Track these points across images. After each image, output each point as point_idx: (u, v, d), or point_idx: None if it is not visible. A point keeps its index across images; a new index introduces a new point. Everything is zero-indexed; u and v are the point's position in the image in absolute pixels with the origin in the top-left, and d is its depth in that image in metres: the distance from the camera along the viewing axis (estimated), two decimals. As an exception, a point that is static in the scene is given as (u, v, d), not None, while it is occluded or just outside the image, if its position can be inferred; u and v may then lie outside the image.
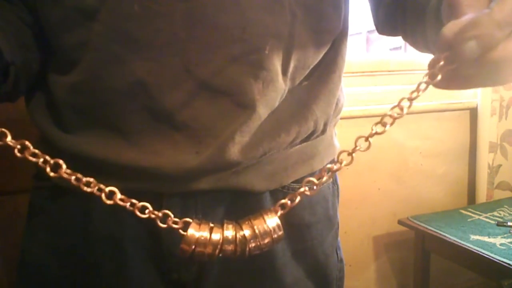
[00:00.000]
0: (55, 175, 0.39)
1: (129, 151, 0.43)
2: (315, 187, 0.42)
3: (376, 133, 0.38)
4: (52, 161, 0.39)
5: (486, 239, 1.13)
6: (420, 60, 1.45)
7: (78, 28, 0.41)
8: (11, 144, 0.37)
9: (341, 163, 0.41)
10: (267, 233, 0.42)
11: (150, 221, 0.44)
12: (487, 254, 1.05)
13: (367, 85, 1.36)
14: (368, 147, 0.39)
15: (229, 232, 0.42)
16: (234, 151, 0.43)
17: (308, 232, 0.52)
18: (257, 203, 0.48)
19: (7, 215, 0.96)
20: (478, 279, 1.44)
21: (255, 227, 0.42)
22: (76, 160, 0.42)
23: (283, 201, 0.43)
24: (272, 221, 0.42)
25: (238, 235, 0.42)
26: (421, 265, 1.31)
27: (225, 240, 0.42)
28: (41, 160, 0.39)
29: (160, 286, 0.48)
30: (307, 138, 0.50)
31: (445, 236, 1.17)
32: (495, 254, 1.04)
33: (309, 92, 0.48)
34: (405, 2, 0.48)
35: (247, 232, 0.42)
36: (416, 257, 1.32)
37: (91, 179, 0.40)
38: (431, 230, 1.21)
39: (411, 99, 0.36)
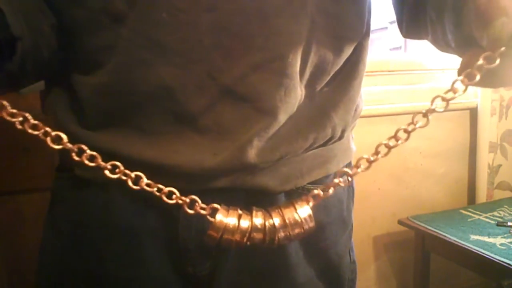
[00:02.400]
0: (60, 144, 0.38)
1: (150, 149, 0.44)
2: (349, 179, 0.41)
3: (413, 130, 0.37)
4: (53, 133, 0.38)
5: (486, 239, 1.13)
6: (420, 60, 1.45)
7: (105, 31, 0.42)
8: (8, 118, 0.35)
9: (377, 154, 0.40)
10: (297, 223, 0.41)
11: (171, 214, 0.44)
12: (487, 254, 1.05)
13: (367, 85, 1.36)
14: (407, 138, 0.38)
15: (258, 220, 0.41)
16: (251, 154, 0.44)
17: (321, 233, 0.52)
18: (271, 203, 0.48)
19: (8, 215, 0.96)
20: (478, 279, 1.44)
21: (286, 216, 0.41)
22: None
23: (315, 191, 0.42)
24: (303, 211, 0.41)
25: (267, 224, 0.41)
26: (421, 265, 1.31)
27: (254, 228, 0.41)
28: (42, 131, 0.38)
29: (175, 279, 0.49)
30: (324, 144, 0.50)
31: (445, 236, 1.17)
32: (495, 254, 1.04)
33: (329, 99, 0.49)
34: (426, 1, 0.48)
35: (276, 220, 0.41)
36: (416, 257, 1.32)
37: (118, 163, 0.39)
38: (431, 230, 1.21)
39: (446, 99, 0.35)
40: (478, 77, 0.32)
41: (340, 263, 0.55)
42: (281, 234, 0.41)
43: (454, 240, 1.14)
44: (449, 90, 0.35)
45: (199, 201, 0.41)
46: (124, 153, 0.44)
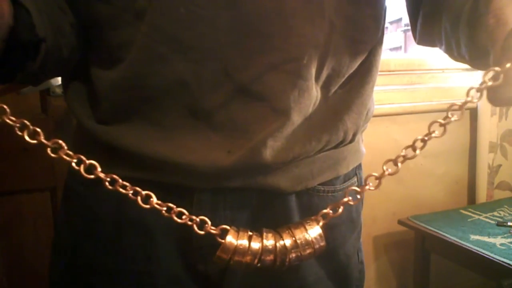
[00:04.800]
0: (55, 155, 0.38)
1: (165, 146, 0.44)
2: (358, 196, 0.41)
3: (423, 140, 0.37)
4: (50, 143, 0.37)
5: (486, 239, 1.13)
6: (420, 60, 1.45)
7: (126, 27, 0.42)
8: (10, 122, 0.35)
9: (384, 171, 0.39)
10: (308, 243, 0.41)
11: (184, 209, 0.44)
12: (487, 254, 1.05)
13: (367, 85, 1.36)
14: (414, 156, 0.38)
15: (269, 241, 0.41)
16: (265, 154, 0.44)
17: (330, 234, 0.52)
18: (283, 204, 0.49)
19: (8, 215, 0.96)
20: (478, 279, 1.44)
21: (296, 236, 0.41)
22: (111, 151, 0.44)
23: (325, 210, 0.42)
24: (314, 231, 0.41)
25: (278, 245, 0.41)
26: (421, 265, 1.31)
27: (264, 250, 0.40)
28: (42, 138, 0.37)
29: (186, 275, 0.50)
30: (336, 146, 0.51)
31: (445, 236, 1.17)
32: (495, 254, 1.04)
33: (343, 102, 0.50)
34: (441, 11, 0.48)
35: (287, 241, 0.41)
36: (416, 257, 1.32)
37: (127, 184, 0.40)
38: (431, 230, 1.21)
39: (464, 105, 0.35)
40: (489, 83, 0.32)
41: (348, 263, 0.56)
42: (292, 255, 0.41)
43: (454, 240, 1.14)
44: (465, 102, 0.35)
45: (209, 222, 0.41)
46: (137, 150, 0.44)
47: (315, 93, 0.46)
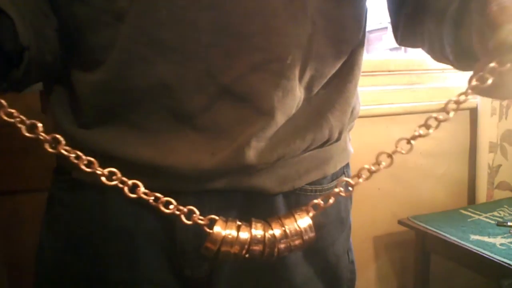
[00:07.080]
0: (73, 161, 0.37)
1: (146, 149, 0.44)
2: (350, 188, 0.41)
3: (420, 136, 0.37)
4: (49, 137, 0.37)
5: (486, 239, 1.13)
6: (420, 60, 1.45)
7: (106, 29, 0.42)
8: (6, 118, 0.35)
9: (379, 164, 0.39)
10: (298, 233, 0.40)
11: (167, 217, 0.44)
12: (487, 254, 1.05)
13: (367, 85, 1.36)
14: (410, 149, 0.38)
15: (258, 231, 0.40)
16: (249, 155, 0.44)
17: (319, 233, 0.52)
18: (269, 205, 0.49)
19: (7, 215, 0.96)
20: (478, 279, 1.44)
21: (286, 226, 0.40)
22: (93, 155, 0.43)
23: (315, 201, 0.41)
24: (303, 221, 0.41)
25: (267, 235, 0.40)
26: (421, 265, 1.31)
27: (253, 240, 0.40)
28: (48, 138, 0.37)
29: (172, 282, 0.49)
30: (322, 145, 0.51)
31: (445, 236, 1.17)
32: (495, 254, 1.04)
33: (325, 101, 0.49)
34: (424, 12, 0.48)
35: (277, 231, 0.40)
36: (416, 257, 1.32)
37: (115, 170, 0.39)
38: (431, 230, 1.21)
39: (458, 102, 0.35)
40: (490, 81, 0.32)
41: (338, 264, 0.56)
42: (281, 246, 0.40)
43: (454, 240, 1.13)
44: (462, 94, 0.34)
45: (197, 212, 0.40)
46: (119, 154, 0.44)
47: (298, 93, 0.46)
